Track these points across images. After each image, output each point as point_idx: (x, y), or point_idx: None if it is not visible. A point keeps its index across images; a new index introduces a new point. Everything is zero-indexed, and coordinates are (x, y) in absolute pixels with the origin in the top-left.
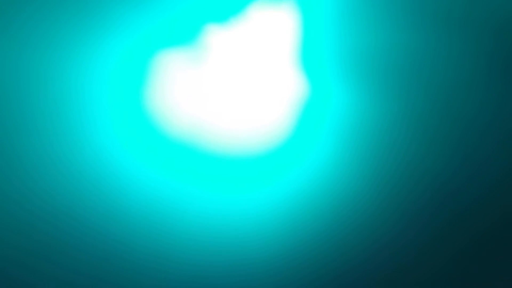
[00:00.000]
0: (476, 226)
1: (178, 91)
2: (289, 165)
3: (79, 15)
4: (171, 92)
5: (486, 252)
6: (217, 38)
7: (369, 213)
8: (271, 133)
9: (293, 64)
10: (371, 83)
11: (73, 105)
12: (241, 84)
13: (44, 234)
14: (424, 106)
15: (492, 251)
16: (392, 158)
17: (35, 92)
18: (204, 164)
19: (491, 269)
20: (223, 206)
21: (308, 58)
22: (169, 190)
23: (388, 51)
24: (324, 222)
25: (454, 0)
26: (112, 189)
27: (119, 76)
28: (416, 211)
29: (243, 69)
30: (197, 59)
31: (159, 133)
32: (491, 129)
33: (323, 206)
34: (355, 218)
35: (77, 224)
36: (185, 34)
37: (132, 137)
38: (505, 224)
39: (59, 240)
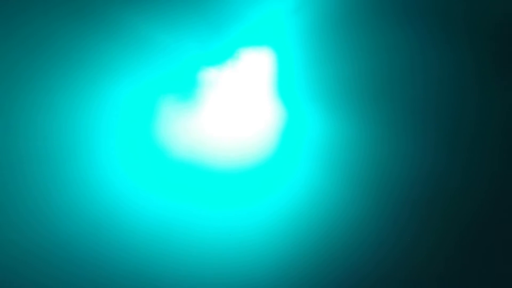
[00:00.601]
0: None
1: (180, 120)
2: (271, 180)
3: (101, 64)
4: (175, 121)
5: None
6: (212, 76)
7: (348, 227)
8: (255, 153)
9: (273, 96)
10: (337, 107)
11: (87, 137)
12: (230, 113)
13: (55, 262)
14: (385, 124)
15: (488, 258)
16: (364, 173)
17: (51, 129)
18: (202, 181)
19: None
20: (213, 220)
21: (285, 90)
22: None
23: (351, 79)
24: (305, 237)
25: (423, 19)
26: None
27: (129, 110)
28: (391, 221)
29: (232, 100)
30: (196, 94)
31: (163, 157)
32: (473, 150)
33: (303, 221)
34: (334, 233)
35: (87, 249)
36: (188, 73)
37: (140, 163)
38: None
39: (65, 270)
